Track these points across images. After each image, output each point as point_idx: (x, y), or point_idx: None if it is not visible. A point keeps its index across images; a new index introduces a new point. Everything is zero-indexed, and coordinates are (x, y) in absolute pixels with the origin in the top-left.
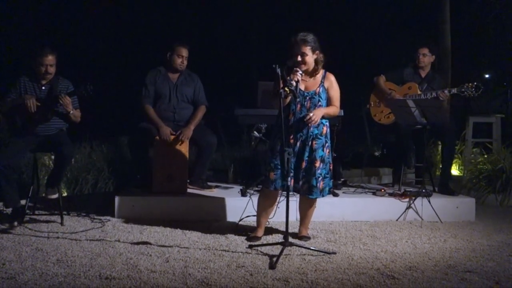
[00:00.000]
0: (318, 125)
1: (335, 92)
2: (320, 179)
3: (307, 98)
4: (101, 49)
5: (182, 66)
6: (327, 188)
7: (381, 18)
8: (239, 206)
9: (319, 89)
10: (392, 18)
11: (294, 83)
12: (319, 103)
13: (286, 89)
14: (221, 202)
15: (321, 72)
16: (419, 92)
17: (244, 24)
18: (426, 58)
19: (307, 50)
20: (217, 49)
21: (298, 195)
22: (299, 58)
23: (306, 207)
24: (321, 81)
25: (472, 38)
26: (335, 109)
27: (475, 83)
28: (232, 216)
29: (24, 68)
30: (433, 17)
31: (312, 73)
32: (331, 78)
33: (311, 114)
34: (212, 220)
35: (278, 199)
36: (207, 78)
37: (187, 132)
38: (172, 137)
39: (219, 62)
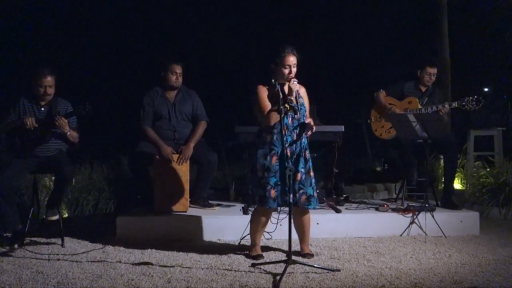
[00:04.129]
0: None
1: (308, 103)
2: (315, 188)
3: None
4: (100, 69)
5: (177, 82)
6: (317, 198)
7: (381, 33)
8: (241, 224)
9: (301, 100)
10: (391, 33)
11: (293, 99)
12: (305, 113)
13: (286, 105)
14: (222, 221)
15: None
16: (419, 107)
17: (244, 41)
18: (433, 78)
19: (295, 60)
20: (217, 66)
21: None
22: (294, 69)
23: (303, 221)
24: (298, 93)
25: (471, 51)
26: (311, 121)
27: (476, 96)
28: (234, 234)
29: (23, 89)
30: (432, 31)
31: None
32: (303, 89)
33: (310, 123)
34: (214, 239)
35: (271, 215)
36: (207, 95)
37: (186, 151)
38: (174, 156)
39: (219, 79)
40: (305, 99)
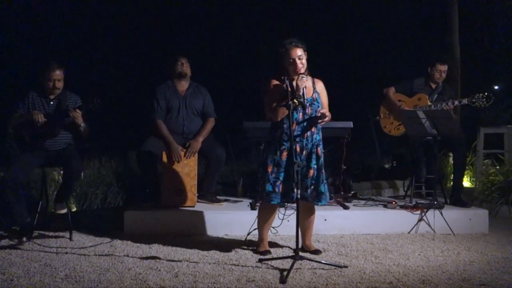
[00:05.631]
0: (318, 131)
1: (326, 98)
2: (325, 184)
3: (307, 104)
4: (109, 64)
5: (183, 69)
6: (327, 194)
7: (391, 30)
8: (249, 220)
9: (315, 95)
10: (401, 29)
11: (301, 95)
12: (319, 108)
13: (295, 101)
14: (230, 216)
15: (309, 78)
16: (429, 103)
17: (253, 38)
18: (444, 75)
19: (301, 51)
20: (225, 62)
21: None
22: (298, 61)
23: (308, 218)
24: (313, 87)
25: (481, 49)
26: (326, 111)
27: (486, 93)
28: (242, 230)
29: (32, 83)
30: (442, 28)
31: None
32: (321, 84)
33: (325, 112)
34: (222, 234)
35: (277, 209)
36: (216, 91)
37: (195, 145)
38: (182, 152)
39: (228, 75)
40: (321, 94)
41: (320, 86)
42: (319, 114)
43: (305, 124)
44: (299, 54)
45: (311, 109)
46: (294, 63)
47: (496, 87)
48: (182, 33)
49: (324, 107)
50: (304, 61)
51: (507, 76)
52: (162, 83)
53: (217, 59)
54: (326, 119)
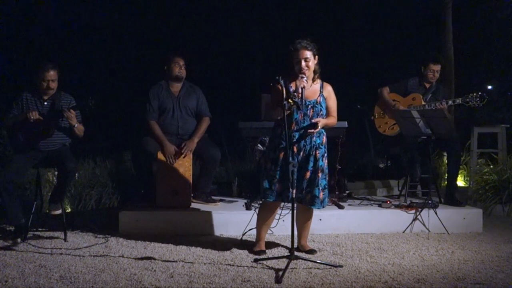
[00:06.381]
0: (319, 134)
1: (333, 102)
2: (321, 189)
3: (309, 107)
4: (104, 64)
5: (181, 73)
6: (326, 199)
7: (385, 29)
8: (244, 220)
9: (320, 98)
10: (395, 29)
11: (298, 95)
12: (321, 112)
13: (289, 100)
14: (225, 216)
15: (319, 81)
16: (423, 103)
17: (248, 37)
18: (437, 74)
19: (309, 54)
20: (220, 62)
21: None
22: (303, 63)
23: (305, 219)
24: (320, 91)
25: (475, 49)
26: (334, 120)
27: (480, 93)
28: (237, 230)
29: (26, 83)
30: (436, 28)
31: (310, 82)
32: (329, 88)
33: (317, 123)
34: (217, 234)
35: (277, 210)
36: (211, 91)
37: (190, 144)
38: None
39: (223, 75)
40: (328, 99)
41: (327, 90)
42: (314, 120)
43: (304, 125)
44: (306, 57)
45: (312, 112)
46: (299, 63)
47: (489, 87)
48: (177, 33)
49: (330, 111)
50: (310, 63)
51: (501, 76)
52: (156, 84)
53: (212, 59)
54: (315, 131)
